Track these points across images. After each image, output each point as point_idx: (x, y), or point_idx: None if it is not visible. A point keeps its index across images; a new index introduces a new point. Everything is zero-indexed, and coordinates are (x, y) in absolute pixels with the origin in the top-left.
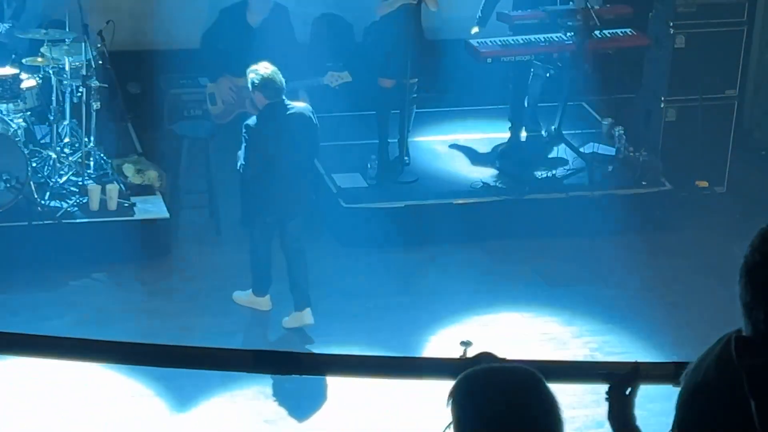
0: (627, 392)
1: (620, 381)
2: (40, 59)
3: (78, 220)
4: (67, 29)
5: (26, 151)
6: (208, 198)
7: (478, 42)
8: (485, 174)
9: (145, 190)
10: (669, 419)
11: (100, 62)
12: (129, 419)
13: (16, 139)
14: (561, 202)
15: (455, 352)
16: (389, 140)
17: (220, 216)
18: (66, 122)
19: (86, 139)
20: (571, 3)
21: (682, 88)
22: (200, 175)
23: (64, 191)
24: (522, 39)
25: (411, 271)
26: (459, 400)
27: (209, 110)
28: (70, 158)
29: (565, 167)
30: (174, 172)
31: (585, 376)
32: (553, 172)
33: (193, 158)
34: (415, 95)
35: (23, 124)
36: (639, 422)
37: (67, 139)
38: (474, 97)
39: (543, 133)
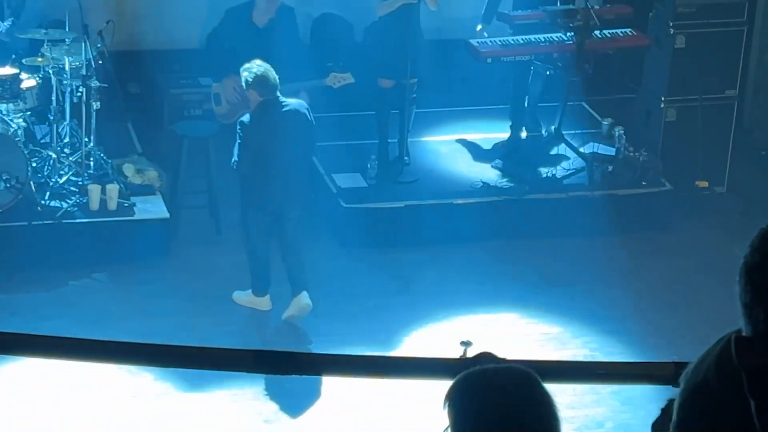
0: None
1: (666, 413)
2: (40, 59)
3: (78, 220)
4: (67, 29)
5: (26, 151)
6: (208, 198)
7: (478, 42)
8: (485, 174)
9: (145, 190)
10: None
11: (100, 62)
12: (130, 419)
13: (16, 139)
14: (561, 202)
15: (455, 352)
16: (389, 140)
17: (220, 216)
18: (66, 122)
19: (86, 139)
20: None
21: (682, 88)
22: (200, 175)
23: (64, 191)
24: (522, 39)
25: (411, 271)
26: (455, 402)
27: (214, 110)
28: (70, 158)
29: (565, 167)
30: (174, 172)
31: (585, 377)
32: (554, 171)
33: (193, 158)
34: (415, 95)
35: (23, 124)
36: (638, 422)
37: (67, 139)
38: (474, 97)
39: (543, 133)
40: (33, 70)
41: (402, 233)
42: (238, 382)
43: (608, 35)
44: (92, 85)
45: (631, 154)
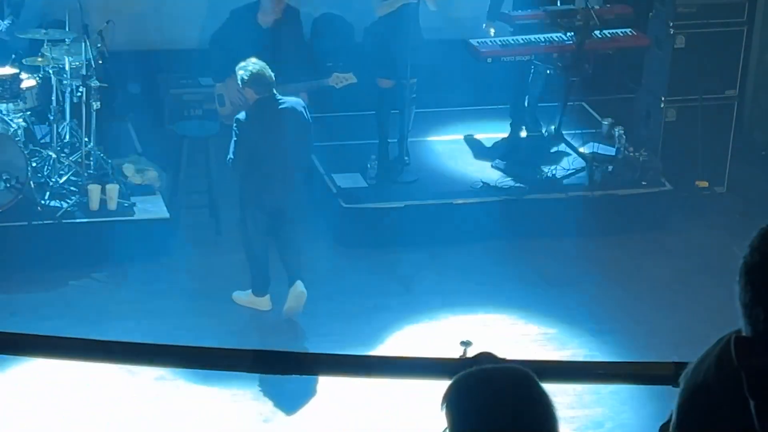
0: None
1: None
2: (40, 59)
3: (78, 220)
4: (67, 29)
5: (26, 151)
6: (208, 198)
7: (478, 42)
8: (485, 174)
9: (145, 190)
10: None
11: (100, 62)
12: (130, 419)
13: (16, 139)
14: (561, 202)
15: (455, 352)
16: (389, 140)
17: (220, 216)
18: (66, 122)
19: (86, 139)
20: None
21: (682, 88)
22: (200, 175)
23: (64, 191)
24: (522, 39)
25: (411, 271)
26: (453, 402)
27: (218, 111)
28: (70, 158)
29: (565, 167)
30: (174, 172)
31: (585, 377)
32: (554, 171)
33: (193, 158)
34: (415, 95)
35: (23, 124)
36: (638, 422)
37: (67, 139)
38: (474, 97)
39: (543, 132)
40: (33, 70)
41: (402, 233)
42: (238, 382)
43: (608, 35)
44: (92, 85)
45: (631, 154)
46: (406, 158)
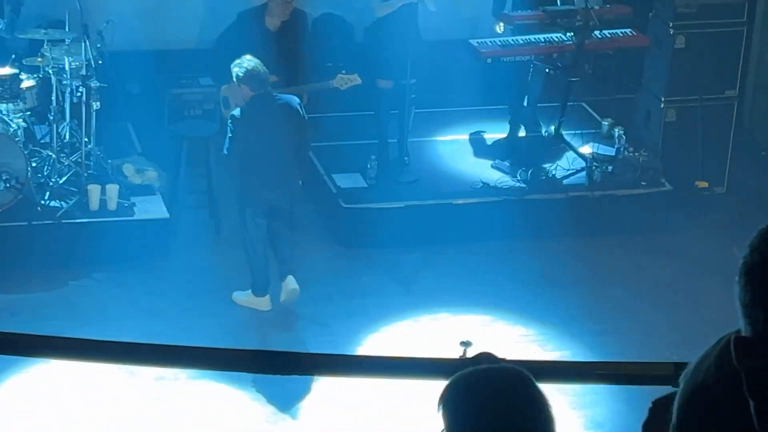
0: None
1: (674, 398)
2: (40, 59)
3: (78, 220)
4: (67, 29)
5: (26, 151)
6: (208, 198)
7: (478, 42)
8: (485, 174)
9: (145, 190)
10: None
11: (100, 62)
12: (130, 419)
13: (16, 139)
14: (561, 202)
15: (455, 352)
16: (389, 140)
17: (220, 216)
18: (66, 122)
19: (86, 139)
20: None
21: (682, 88)
22: (200, 175)
23: (64, 191)
24: (522, 39)
25: (411, 271)
26: (449, 403)
27: (223, 114)
28: (70, 158)
29: (565, 167)
30: (174, 172)
31: (585, 377)
32: (554, 171)
33: (193, 158)
34: (414, 95)
35: (23, 124)
36: (638, 422)
37: (67, 139)
38: (474, 97)
39: (543, 133)
40: (33, 70)
41: (402, 233)
42: (238, 382)
43: (608, 35)
44: (92, 85)
45: (631, 154)
46: (406, 158)
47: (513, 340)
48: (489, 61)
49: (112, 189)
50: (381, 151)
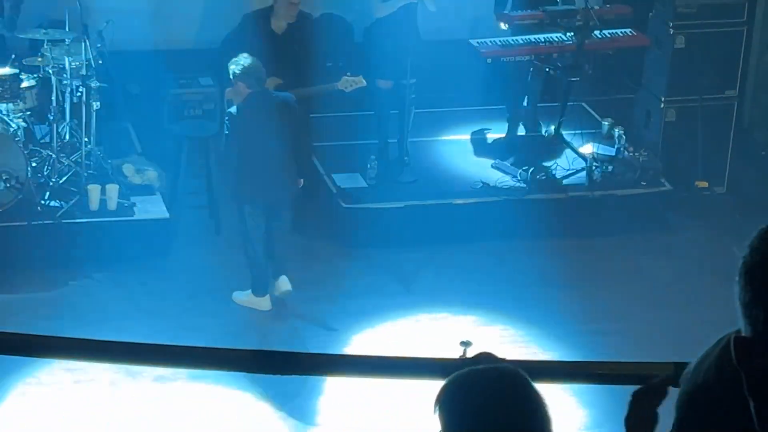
0: (654, 402)
1: (652, 388)
2: (40, 59)
3: (78, 220)
4: (67, 29)
5: (26, 151)
6: (208, 198)
7: (478, 42)
8: (485, 174)
9: (145, 190)
10: (669, 420)
11: (100, 62)
12: (130, 419)
13: (16, 139)
14: (561, 202)
15: (455, 352)
16: (389, 140)
17: (220, 216)
18: (66, 122)
19: (86, 139)
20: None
21: (682, 88)
22: (200, 175)
23: (64, 191)
24: (522, 39)
25: (411, 271)
26: (444, 405)
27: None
28: (70, 158)
29: (565, 167)
30: (174, 172)
31: (585, 377)
32: (554, 171)
33: (193, 158)
34: (414, 96)
35: (23, 124)
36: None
37: (67, 139)
38: (474, 97)
39: (543, 133)
40: (33, 70)
41: (402, 233)
42: (238, 382)
43: (608, 35)
44: (92, 85)
45: (631, 154)
46: (406, 158)
47: (513, 340)
48: (489, 61)
49: (112, 189)
50: (381, 151)
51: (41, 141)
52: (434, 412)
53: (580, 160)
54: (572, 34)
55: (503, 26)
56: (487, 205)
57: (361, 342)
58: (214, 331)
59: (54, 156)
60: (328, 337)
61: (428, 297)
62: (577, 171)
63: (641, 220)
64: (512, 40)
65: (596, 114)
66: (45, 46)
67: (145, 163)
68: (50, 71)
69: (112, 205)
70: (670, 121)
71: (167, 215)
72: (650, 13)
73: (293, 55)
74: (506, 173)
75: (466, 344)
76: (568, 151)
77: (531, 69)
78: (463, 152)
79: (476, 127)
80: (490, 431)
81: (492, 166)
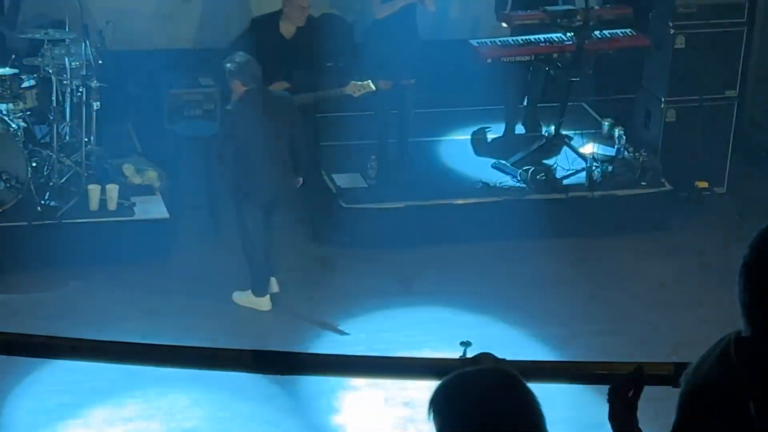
0: (630, 394)
1: (623, 382)
2: (40, 59)
3: (78, 220)
4: (67, 29)
5: (26, 151)
6: (208, 198)
7: (478, 42)
8: (485, 174)
9: (145, 190)
10: (669, 420)
11: (100, 62)
12: (130, 419)
13: (16, 139)
14: (561, 202)
15: (455, 352)
16: (389, 140)
17: (220, 216)
18: (66, 122)
19: (86, 139)
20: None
21: (682, 89)
22: (200, 175)
23: (64, 191)
24: (522, 39)
25: (411, 271)
26: (438, 407)
27: None
28: (70, 158)
29: (565, 167)
30: (174, 172)
31: (584, 377)
32: (554, 171)
33: (193, 158)
34: (414, 96)
35: (23, 124)
36: (638, 423)
37: (67, 139)
38: (474, 97)
39: (543, 133)
40: (33, 70)
41: (402, 233)
42: (238, 382)
43: (608, 35)
44: (92, 85)
45: (631, 154)
46: (406, 158)
47: (512, 340)
48: (489, 61)
49: (112, 189)
50: (381, 151)
51: (41, 141)
52: (428, 415)
53: (580, 160)
54: (572, 34)
55: (503, 26)
56: (487, 205)
57: (361, 342)
58: (214, 331)
59: (54, 156)
60: (328, 337)
61: (428, 297)
62: (577, 171)
63: (641, 221)
64: (512, 40)
65: (596, 114)
66: (45, 46)
67: (145, 163)
68: (50, 71)
69: (112, 205)
70: (670, 121)
71: (167, 215)
72: (650, 14)
73: (302, 59)
74: (506, 173)
75: (466, 344)
76: (568, 151)
77: (531, 69)
78: (463, 152)
79: (476, 127)
80: None
81: (492, 166)
